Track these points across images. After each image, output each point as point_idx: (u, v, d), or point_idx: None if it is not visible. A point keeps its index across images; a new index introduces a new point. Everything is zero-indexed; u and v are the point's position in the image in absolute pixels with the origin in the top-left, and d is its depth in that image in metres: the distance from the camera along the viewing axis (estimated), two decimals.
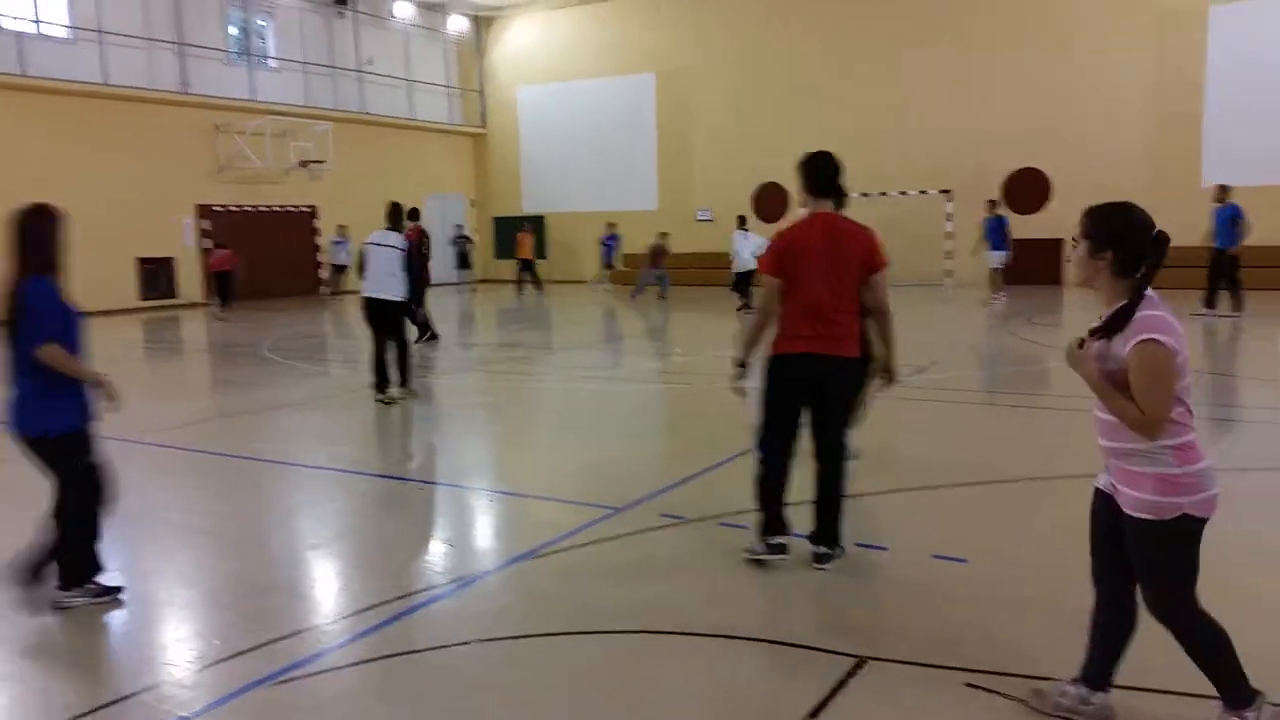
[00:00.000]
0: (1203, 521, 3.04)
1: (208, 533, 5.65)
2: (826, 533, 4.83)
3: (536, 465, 7.42)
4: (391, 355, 9.61)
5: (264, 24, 25.79)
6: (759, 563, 4.79)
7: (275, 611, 4.38)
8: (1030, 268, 21.89)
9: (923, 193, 22.73)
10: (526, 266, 25.11)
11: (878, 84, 24.51)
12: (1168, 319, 2.92)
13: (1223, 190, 15.07)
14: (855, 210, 5.38)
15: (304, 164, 24.97)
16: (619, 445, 7.90)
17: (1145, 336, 2.89)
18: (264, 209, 24.44)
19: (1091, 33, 22.22)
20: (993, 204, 19.60)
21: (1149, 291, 2.97)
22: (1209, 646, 3.13)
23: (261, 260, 23.31)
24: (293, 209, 25.59)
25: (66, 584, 4.41)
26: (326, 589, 4.80)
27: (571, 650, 3.94)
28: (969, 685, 3.53)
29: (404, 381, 9.74)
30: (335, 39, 27.12)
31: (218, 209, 23.55)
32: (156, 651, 4.10)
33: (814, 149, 4.88)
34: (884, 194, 22.91)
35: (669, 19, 27.58)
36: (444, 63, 30.49)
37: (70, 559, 4.40)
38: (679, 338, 15.77)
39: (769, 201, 25.49)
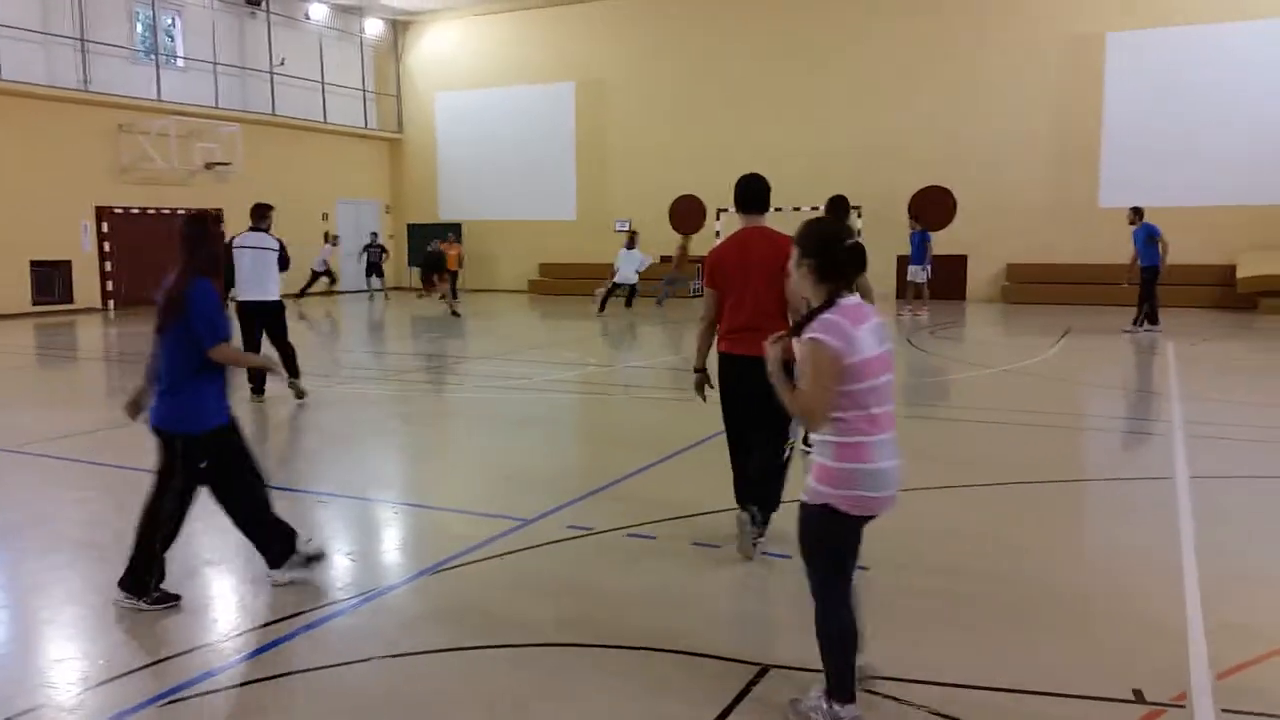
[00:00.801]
0: (850, 517, 3.22)
1: (98, 547, 5.43)
2: (762, 506, 5.13)
3: (445, 477, 7.33)
4: (275, 353, 9.74)
5: (172, 22, 25.05)
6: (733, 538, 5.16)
7: (167, 629, 4.24)
8: (935, 283, 22.49)
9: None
10: (452, 277, 24.27)
11: (793, 101, 24.96)
12: (842, 324, 3.13)
13: (1135, 213, 15.75)
14: (774, 221, 5.64)
15: (210, 166, 24.29)
16: (530, 456, 7.85)
17: (811, 334, 3.13)
18: (167, 211, 23.68)
19: (996, 57, 23.00)
20: (914, 219, 20.12)
21: (844, 298, 3.21)
22: (836, 641, 3.30)
23: (164, 264, 22.51)
24: (197, 212, 24.80)
25: (137, 591, 4.44)
26: (222, 605, 4.65)
27: (478, 665, 3.89)
28: (869, 692, 3.59)
29: (292, 373, 9.89)
30: (247, 39, 26.47)
31: (118, 211, 22.75)
32: (36, 673, 3.91)
33: (746, 170, 5.38)
34: (796, 209, 23.23)
35: (589, 29, 27.64)
36: (360, 66, 30.01)
37: (151, 568, 4.44)
38: (594, 348, 15.76)
39: (687, 213, 25.67)
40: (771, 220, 5.36)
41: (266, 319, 9.76)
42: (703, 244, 25.56)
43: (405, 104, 30.89)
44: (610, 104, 27.56)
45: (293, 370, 9.93)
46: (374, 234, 27.03)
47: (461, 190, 29.85)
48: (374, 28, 30.00)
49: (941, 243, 22.42)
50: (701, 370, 5.43)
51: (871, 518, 3.29)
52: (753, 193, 5.28)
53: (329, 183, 28.44)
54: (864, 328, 3.17)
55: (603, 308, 20.86)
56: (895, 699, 3.53)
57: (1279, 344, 14.74)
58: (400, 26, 30.55)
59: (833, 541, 3.30)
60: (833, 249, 3.23)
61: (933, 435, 8.49)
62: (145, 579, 4.43)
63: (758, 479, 5.19)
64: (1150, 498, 6.46)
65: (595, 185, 27.76)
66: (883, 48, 24.03)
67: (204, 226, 4.56)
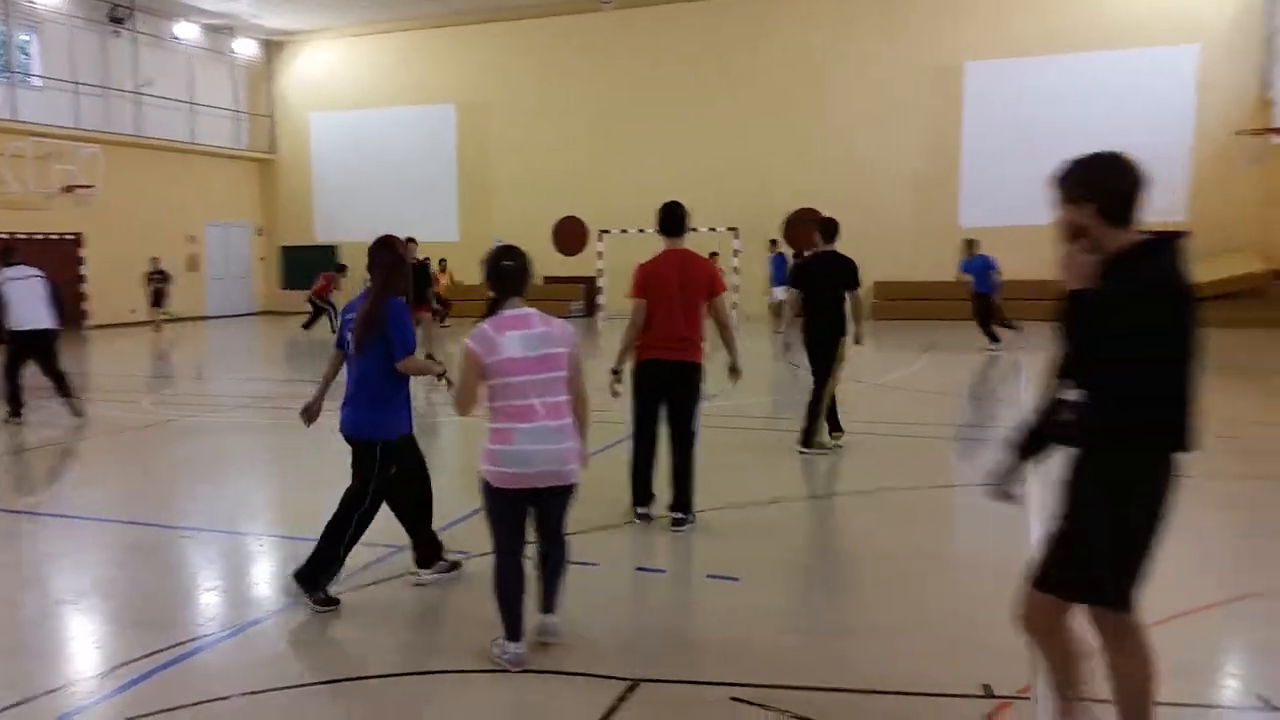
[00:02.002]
0: (500, 490, 3.89)
1: None
2: (680, 501, 5.97)
3: (315, 505, 7.10)
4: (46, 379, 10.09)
5: (28, 39, 23.87)
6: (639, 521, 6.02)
7: (21, 673, 4.04)
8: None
9: (712, 230, 23.65)
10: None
11: (671, 126, 25.43)
12: (487, 330, 3.84)
13: (970, 244, 16.76)
14: (652, 244, 6.06)
15: (70, 189, 23.20)
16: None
17: (465, 339, 3.85)
18: (22, 236, 22.48)
19: (864, 86, 23.96)
20: (774, 243, 20.70)
21: (506, 310, 3.91)
22: (500, 591, 4.00)
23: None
24: (55, 237, 23.67)
25: (310, 586, 4.68)
26: (79, 646, 4.46)
27: (342, 698, 3.84)
28: (734, 699, 3.70)
29: (68, 395, 10.17)
30: (110, 58, 25.41)
31: None
32: None
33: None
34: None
35: (468, 52, 27.56)
36: (231, 86, 29.18)
37: (329, 568, 4.69)
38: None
39: (569, 235, 25.80)
40: (647, 241, 6.11)
41: (41, 347, 10.03)
42: (584, 265, 25.82)
43: (279, 125, 30.16)
44: (492, 126, 27.51)
45: (65, 392, 10.21)
46: (154, 258, 23.46)
47: (339, 212, 29.29)
48: (246, 48, 29.24)
49: None
50: (618, 372, 5.96)
51: (525, 492, 3.88)
52: (676, 218, 5.98)
53: (198, 205, 27.51)
54: (512, 334, 3.82)
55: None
56: (760, 705, 3.64)
57: None
58: (273, 47, 29.85)
59: (492, 509, 3.96)
60: (497, 267, 3.93)
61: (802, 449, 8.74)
62: (320, 577, 4.68)
63: (678, 478, 5.94)
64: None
65: (478, 207, 27.63)
66: (758, 76, 24.73)
67: (395, 249, 4.81)
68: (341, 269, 22.82)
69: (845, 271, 8.21)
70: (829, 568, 5.50)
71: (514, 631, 3.98)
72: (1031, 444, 3.02)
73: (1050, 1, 22.58)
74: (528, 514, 4.03)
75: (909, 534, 6.13)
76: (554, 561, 4.19)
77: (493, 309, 3.94)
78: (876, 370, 14.32)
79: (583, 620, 4.56)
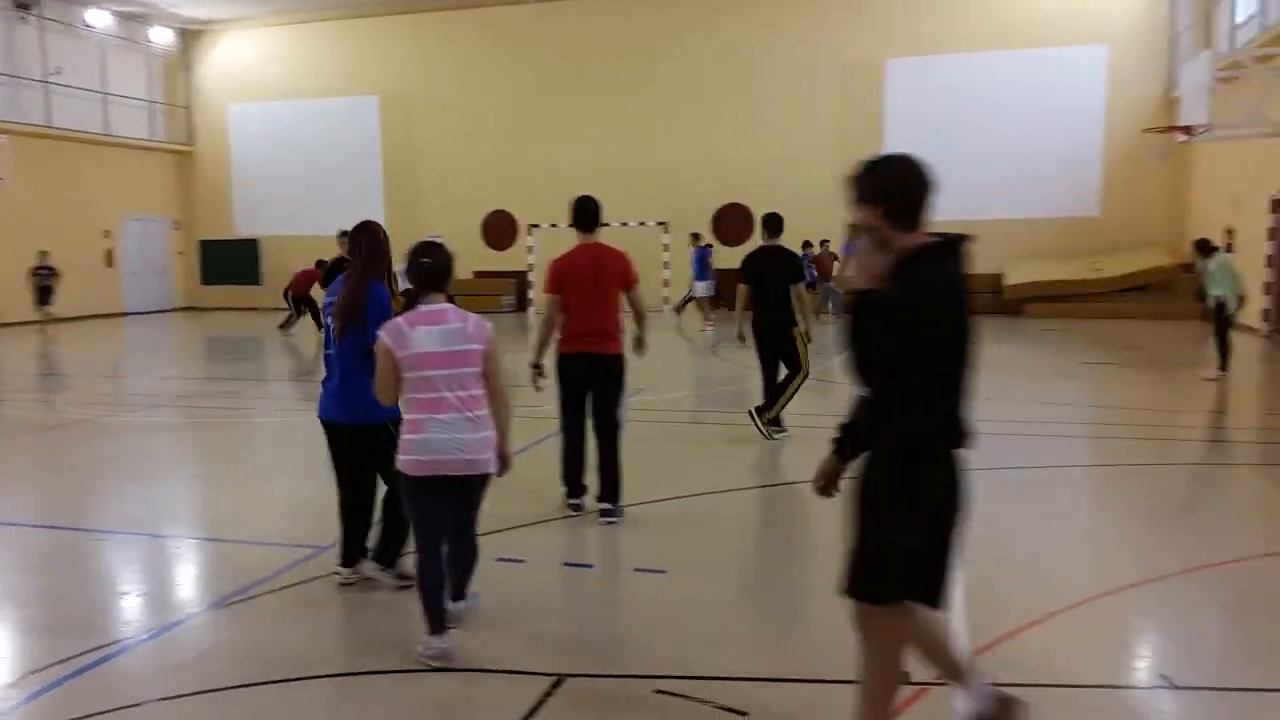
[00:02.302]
0: (414, 478, 4.00)
1: None
2: (609, 493, 6.03)
3: (236, 506, 7.00)
4: None
5: None
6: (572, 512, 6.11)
7: None
8: (729, 294, 23.44)
9: (642, 224, 23.74)
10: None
11: (600, 117, 25.40)
12: (400, 325, 3.96)
13: (695, 237, 17.45)
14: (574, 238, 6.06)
15: None
16: (322, 481, 7.60)
17: (379, 331, 4.00)
18: None
19: (788, 82, 24.22)
20: (696, 237, 20.85)
21: (422, 305, 4.02)
22: (423, 586, 4.09)
23: None
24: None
25: (385, 560, 4.87)
26: None
27: (261, 701, 3.79)
28: (658, 692, 3.74)
29: None
30: (16, 45, 24.41)
31: None
32: None
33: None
34: (606, 224, 23.65)
35: (392, 43, 27.15)
36: (146, 76, 28.31)
37: (400, 537, 4.80)
38: None
39: (499, 229, 25.65)
40: (573, 235, 6.12)
41: None
42: (515, 259, 25.70)
43: (196, 116, 29.36)
44: (418, 118, 27.16)
45: None
46: (44, 252, 21.64)
47: (259, 205, 28.63)
48: (161, 36, 28.38)
49: (740, 257, 23.40)
50: (539, 366, 6.13)
51: (439, 480, 3.97)
52: (589, 212, 6.06)
53: (114, 198, 26.64)
54: (425, 329, 3.94)
55: None
56: (684, 696, 3.69)
57: (1042, 346, 16.17)
58: (190, 36, 29.03)
59: (409, 499, 4.09)
60: (410, 262, 4.08)
61: (728, 442, 8.87)
62: (394, 547, 4.83)
63: (605, 469, 6.01)
64: None
65: (404, 200, 27.26)
66: (684, 71, 24.83)
67: (376, 234, 4.85)
68: (321, 264, 21.00)
69: (791, 265, 8.49)
70: (757, 559, 5.59)
71: (437, 626, 4.04)
72: (849, 444, 3.07)
73: (967, 1, 23.10)
74: (442, 501, 4.07)
75: (835, 524, 6.24)
76: (462, 556, 4.27)
77: (411, 303, 4.08)
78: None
79: (507, 617, 4.56)
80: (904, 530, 2.89)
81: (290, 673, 3.99)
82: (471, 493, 4.14)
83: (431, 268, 4.07)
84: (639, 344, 6.40)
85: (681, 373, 14.09)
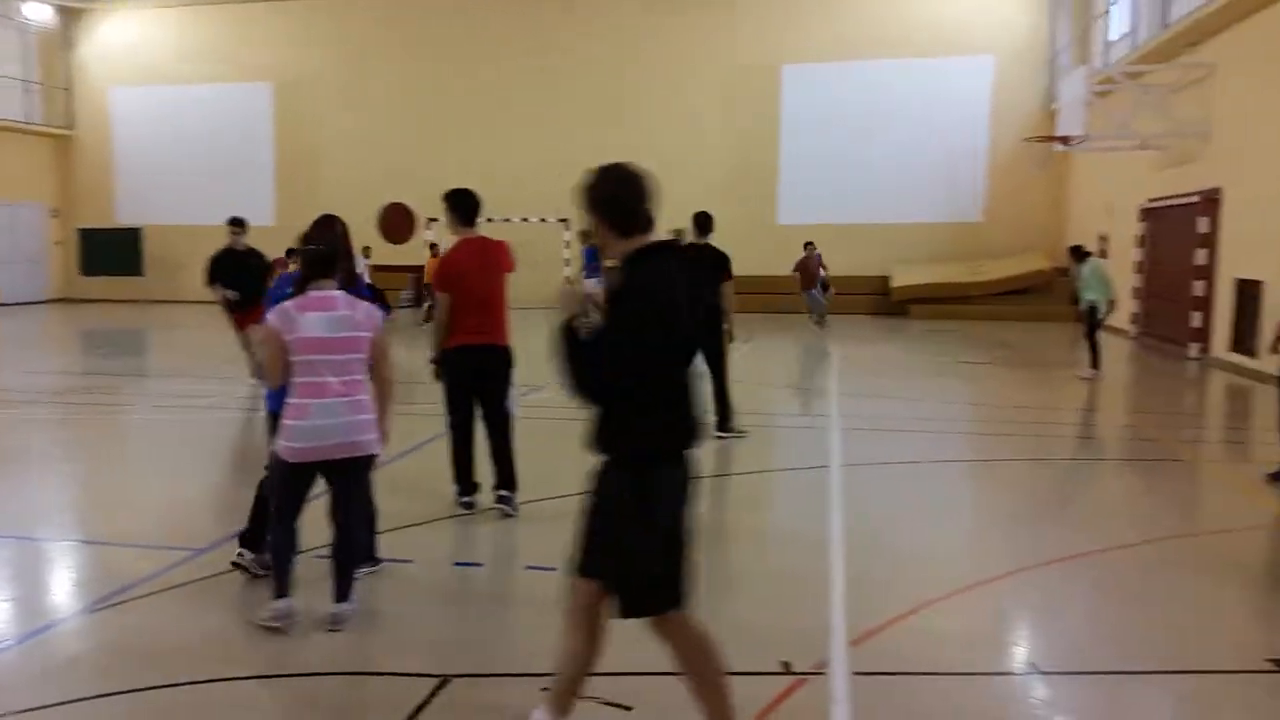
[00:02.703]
0: (288, 463, 4.10)
1: None
2: (506, 481, 6.05)
3: (111, 507, 6.72)
4: None
5: None
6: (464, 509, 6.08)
7: None
8: None
9: (543, 220, 23.65)
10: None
11: (501, 110, 25.19)
12: (289, 309, 4.05)
13: (585, 235, 17.55)
14: (484, 231, 6.17)
15: None
16: (203, 481, 7.41)
17: (268, 314, 4.12)
18: None
19: (688, 85, 24.44)
20: (586, 235, 20.78)
21: (312, 291, 4.11)
22: (273, 552, 4.29)
23: None
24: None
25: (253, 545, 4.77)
26: None
27: (132, 709, 3.65)
28: (545, 690, 3.74)
29: None
30: None
31: None
32: None
33: (458, 185, 5.98)
34: (507, 220, 23.53)
35: (286, 29, 26.40)
36: (21, 54, 26.88)
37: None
38: None
39: (395, 222, 25.12)
40: (483, 229, 6.15)
41: None
42: (414, 254, 25.26)
43: (77, 98, 28.02)
44: (312, 108, 26.47)
45: None
46: None
47: (143, 192, 27.50)
48: (39, 13, 26.97)
49: None
50: (437, 360, 6.03)
51: (315, 465, 4.09)
52: (470, 206, 5.96)
53: None
54: (313, 314, 4.03)
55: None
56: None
57: (925, 346, 16.71)
58: (70, 14, 27.67)
59: (278, 480, 4.18)
60: (300, 249, 4.20)
61: None
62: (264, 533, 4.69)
63: (497, 457, 6.02)
64: (807, 485, 7.17)
65: (298, 191, 26.52)
66: (586, 67, 24.81)
67: (335, 229, 4.75)
68: (291, 253, 19.08)
69: (721, 263, 8.66)
70: None
71: (281, 589, 4.24)
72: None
73: (860, 9, 23.66)
74: (310, 485, 4.23)
75: (725, 517, 6.36)
76: (345, 549, 4.28)
77: (300, 288, 4.13)
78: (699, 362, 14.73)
79: (394, 619, 4.51)
80: (641, 535, 2.96)
81: (165, 679, 3.86)
82: (353, 475, 4.21)
83: (321, 253, 4.12)
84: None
85: None
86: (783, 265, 23.27)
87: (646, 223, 2.98)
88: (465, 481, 6.18)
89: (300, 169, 26.65)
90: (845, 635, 4.26)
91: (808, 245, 19.05)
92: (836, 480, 7.14)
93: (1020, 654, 4.28)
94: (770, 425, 9.50)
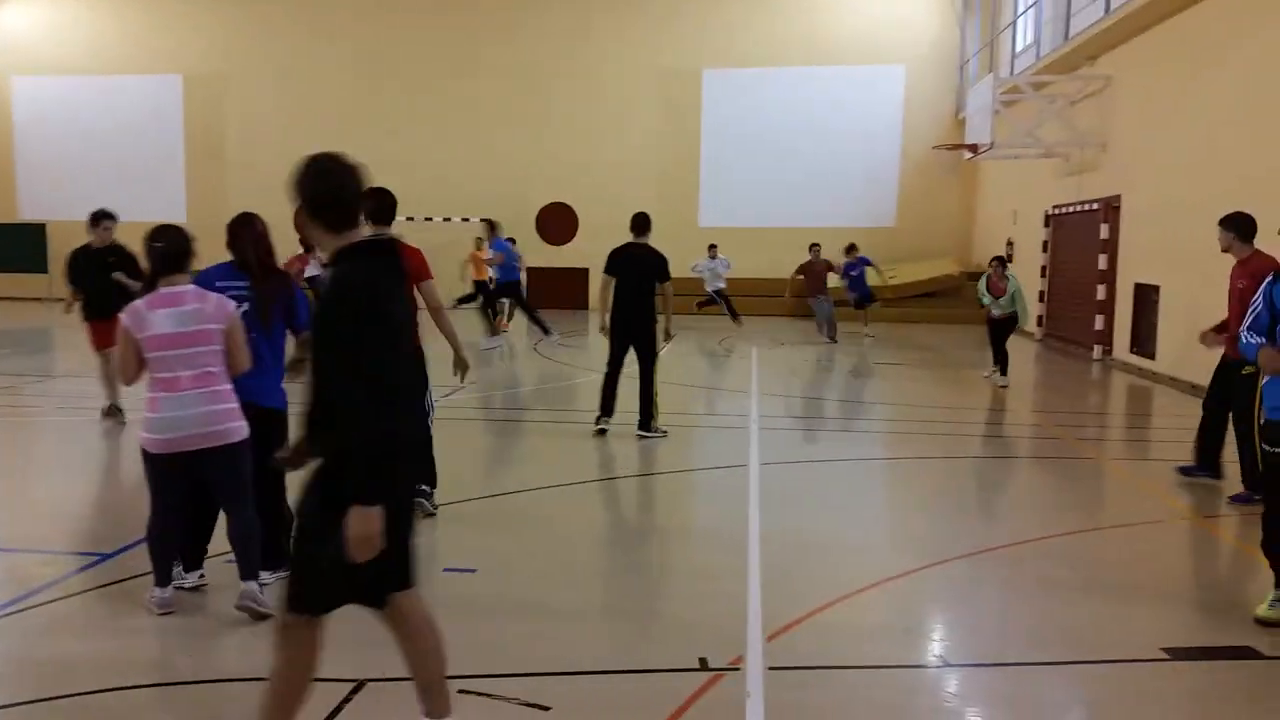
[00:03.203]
0: (151, 455, 4.21)
1: None
2: (427, 479, 5.91)
3: (11, 512, 6.46)
4: None
5: None
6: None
7: None
8: (560, 294, 23.56)
9: (465, 219, 23.44)
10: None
11: (422, 109, 24.89)
12: (139, 307, 4.15)
13: (492, 226, 17.14)
14: (403, 230, 5.84)
15: None
16: (109, 485, 7.20)
17: (121, 314, 4.21)
18: None
19: (613, 87, 24.50)
20: (491, 226, 20.27)
21: (162, 288, 4.20)
22: (151, 542, 4.40)
23: None
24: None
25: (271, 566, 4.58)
26: None
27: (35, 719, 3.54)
28: (462, 691, 3.73)
29: None
30: None
31: None
32: None
33: (378, 184, 5.75)
34: (429, 219, 23.32)
35: (196, 19, 25.65)
36: None
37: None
38: None
39: (558, 223, 24.62)
40: (401, 229, 6.10)
41: None
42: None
43: None
44: (225, 101, 25.81)
45: None
46: None
47: (47, 187, 26.44)
48: None
49: (564, 256, 23.56)
50: None
51: (180, 456, 4.16)
52: (388, 206, 5.80)
53: None
54: (162, 311, 4.13)
55: None
56: (486, 695, 3.70)
57: (842, 347, 17.01)
58: None
59: (149, 474, 4.28)
60: (145, 246, 4.28)
61: (557, 437, 8.92)
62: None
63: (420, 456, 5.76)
64: (727, 484, 7.26)
65: (210, 186, 25.80)
66: (510, 66, 24.63)
67: (256, 226, 4.87)
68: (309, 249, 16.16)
69: (658, 264, 8.69)
70: (567, 553, 5.65)
71: (162, 579, 4.40)
72: (314, 443, 2.98)
73: (778, 17, 23.97)
74: (185, 479, 4.29)
75: (646, 517, 6.41)
76: (241, 527, 4.33)
77: (150, 285, 4.23)
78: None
79: None
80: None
81: (67, 688, 3.74)
82: (225, 465, 4.24)
83: (165, 250, 4.22)
84: (457, 364, 6.13)
85: (500, 370, 14.02)
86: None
87: (357, 218, 2.93)
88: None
89: (212, 164, 25.96)
90: (761, 631, 4.33)
91: (813, 247, 17.89)
92: (755, 479, 7.25)
93: (931, 647, 4.40)
94: (691, 425, 9.59)
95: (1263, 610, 4.49)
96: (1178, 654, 4.18)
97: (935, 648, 4.38)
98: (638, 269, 8.65)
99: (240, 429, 4.26)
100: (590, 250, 23.70)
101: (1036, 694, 3.93)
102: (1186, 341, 12.18)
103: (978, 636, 4.55)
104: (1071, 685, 4.01)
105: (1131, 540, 6.05)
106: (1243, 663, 4.12)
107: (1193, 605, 4.85)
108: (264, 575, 4.52)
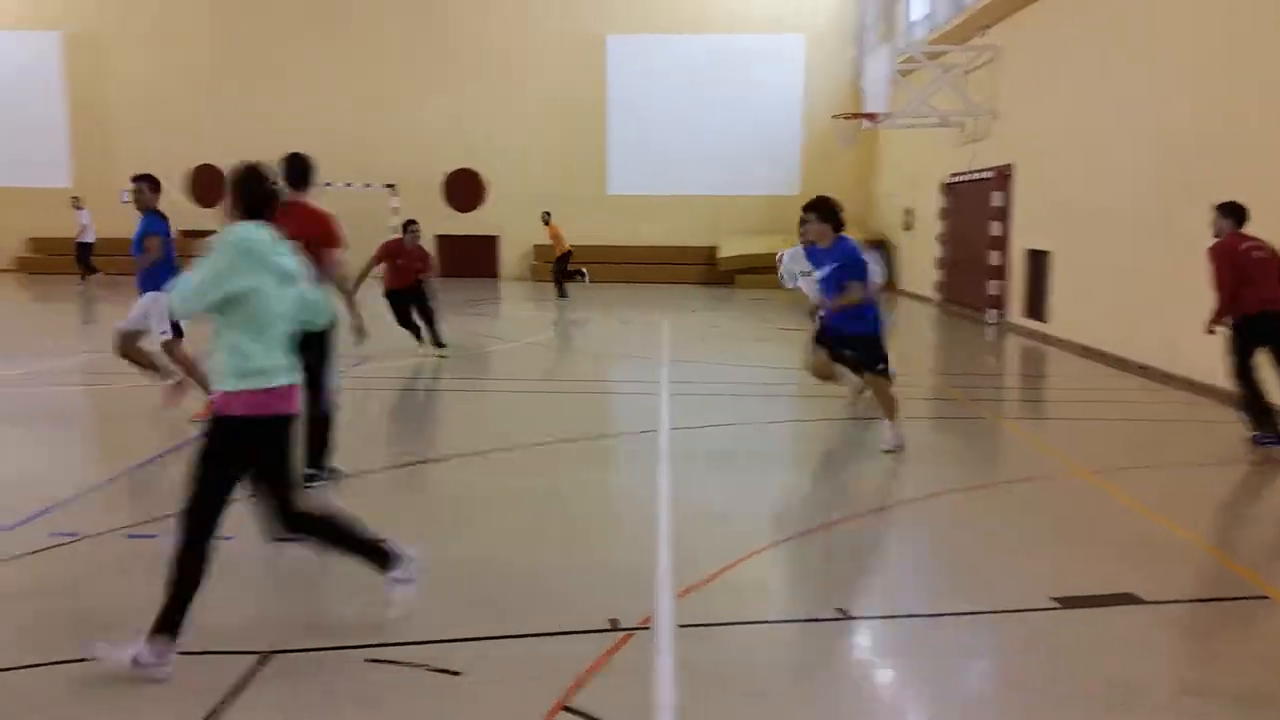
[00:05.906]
0: None
1: None
2: (314, 459, 5.87)
3: None
4: None
5: None
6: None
7: None
8: (469, 261, 23.28)
9: (367, 185, 22.90)
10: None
11: (319, 74, 24.21)
12: None
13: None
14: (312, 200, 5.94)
15: None
16: (12, 458, 6.90)
17: None
18: None
19: (518, 53, 24.20)
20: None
21: None
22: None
23: None
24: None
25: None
26: None
27: None
28: (371, 660, 3.71)
29: None
30: None
31: None
32: None
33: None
34: (329, 184, 22.65)
35: None
36: None
37: None
38: (97, 335, 14.10)
39: (205, 184, 23.73)
40: (315, 196, 5.97)
41: None
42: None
43: None
44: (110, 60, 24.64)
45: None
46: None
47: None
48: None
49: (471, 223, 23.23)
50: None
51: None
52: (304, 169, 5.89)
53: None
54: None
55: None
56: (396, 662, 3.68)
57: (750, 314, 17.26)
58: None
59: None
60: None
61: (471, 405, 8.84)
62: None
63: (315, 433, 5.81)
64: (637, 448, 7.33)
65: (96, 148, 24.66)
66: (410, 27, 24.09)
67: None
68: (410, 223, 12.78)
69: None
70: (470, 517, 5.63)
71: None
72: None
73: None
74: None
75: (557, 482, 6.41)
76: None
77: None
78: (530, 330, 14.72)
79: (210, 598, 4.33)
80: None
81: None
82: None
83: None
84: (357, 330, 6.49)
85: (407, 341, 13.80)
86: (614, 236, 23.48)
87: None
88: (315, 459, 5.96)
89: (96, 127, 24.79)
90: (671, 590, 4.40)
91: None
92: (665, 443, 7.32)
93: (833, 600, 4.53)
94: (606, 391, 9.62)
95: None
96: (1067, 602, 4.39)
97: (837, 601, 4.51)
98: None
99: None
100: (501, 217, 23.52)
101: (935, 644, 4.08)
102: (1075, 304, 12.71)
103: (877, 590, 4.71)
104: (968, 634, 4.18)
105: (1025, 495, 6.32)
106: (1127, 608, 4.35)
107: (1082, 556, 5.09)
108: None
